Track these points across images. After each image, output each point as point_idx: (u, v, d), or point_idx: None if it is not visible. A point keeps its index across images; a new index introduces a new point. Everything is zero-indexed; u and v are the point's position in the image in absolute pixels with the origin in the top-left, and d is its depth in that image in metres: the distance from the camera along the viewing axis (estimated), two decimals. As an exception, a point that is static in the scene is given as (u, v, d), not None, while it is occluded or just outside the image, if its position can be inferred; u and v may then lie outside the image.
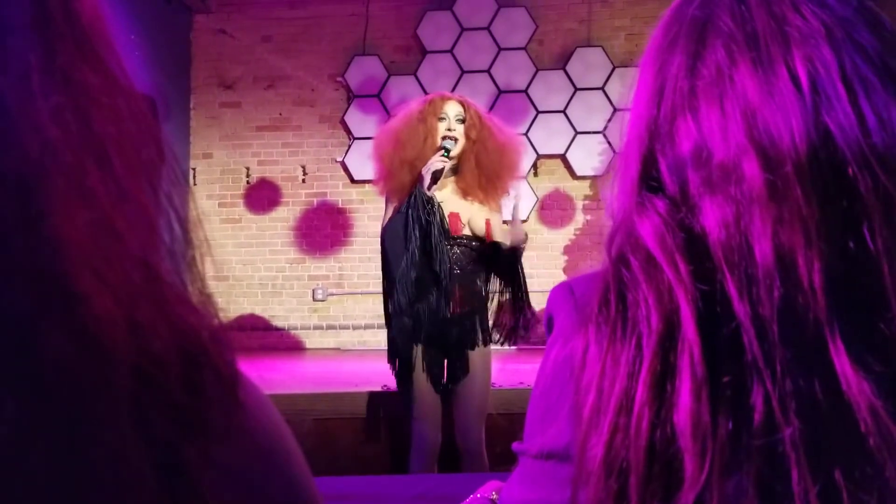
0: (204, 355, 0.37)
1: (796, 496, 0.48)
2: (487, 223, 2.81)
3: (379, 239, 2.86)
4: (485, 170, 2.84)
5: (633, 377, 0.52)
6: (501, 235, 2.85)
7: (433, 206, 2.68)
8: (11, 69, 0.33)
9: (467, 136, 2.80)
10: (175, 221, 0.39)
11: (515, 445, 0.66)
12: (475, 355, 2.79)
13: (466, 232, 2.82)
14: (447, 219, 2.74)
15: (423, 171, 2.67)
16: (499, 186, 2.91)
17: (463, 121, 2.81)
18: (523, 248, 2.79)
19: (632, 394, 0.52)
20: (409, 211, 2.68)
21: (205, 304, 0.39)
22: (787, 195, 0.52)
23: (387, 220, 2.85)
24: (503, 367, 4.74)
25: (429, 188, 2.66)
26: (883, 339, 0.50)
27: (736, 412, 0.50)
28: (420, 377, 2.74)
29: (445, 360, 2.80)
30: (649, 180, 0.60)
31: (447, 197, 2.81)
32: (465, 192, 2.83)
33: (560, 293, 0.66)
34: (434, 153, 2.71)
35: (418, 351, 2.74)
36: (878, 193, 0.51)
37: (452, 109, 2.81)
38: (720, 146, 0.55)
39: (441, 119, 2.79)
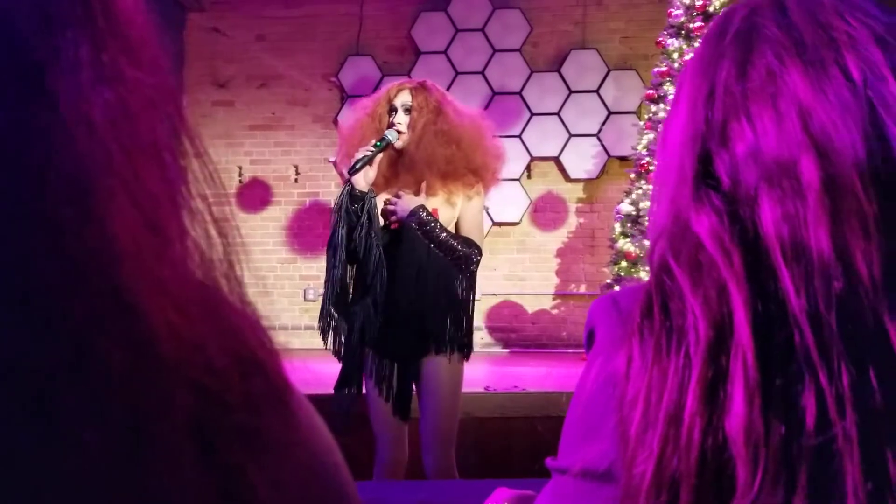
0: (256, 364, 0.35)
1: (849, 493, 0.48)
2: (434, 213, 2.47)
3: None
4: (434, 158, 2.47)
5: (683, 387, 0.52)
6: (466, 227, 2.54)
7: (361, 199, 2.44)
8: (62, 63, 0.32)
9: (412, 127, 2.49)
10: (212, 225, 0.37)
11: (549, 461, 0.65)
12: (433, 366, 2.46)
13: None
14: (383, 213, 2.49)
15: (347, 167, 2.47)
16: (457, 175, 2.51)
17: (409, 110, 2.51)
18: (461, 252, 2.45)
19: (682, 404, 0.52)
20: (337, 205, 2.47)
21: (247, 310, 0.38)
22: (845, 190, 0.52)
23: None
24: (496, 370, 4.73)
25: (350, 178, 2.43)
26: None
27: (788, 416, 0.50)
28: (369, 385, 2.50)
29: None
30: (706, 178, 0.60)
31: (392, 191, 2.53)
32: (417, 185, 2.50)
33: (603, 306, 0.65)
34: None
35: (368, 356, 2.51)
36: None
37: (400, 99, 2.53)
38: (775, 144, 0.56)
39: (392, 111, 2.53)
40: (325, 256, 2.55)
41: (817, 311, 0.50)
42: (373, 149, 2.44)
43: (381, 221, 2.49)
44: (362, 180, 2.44)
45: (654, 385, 0.53)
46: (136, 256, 0.30)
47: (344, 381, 2.53)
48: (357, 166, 2.42)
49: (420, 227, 2.43)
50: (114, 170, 0.31)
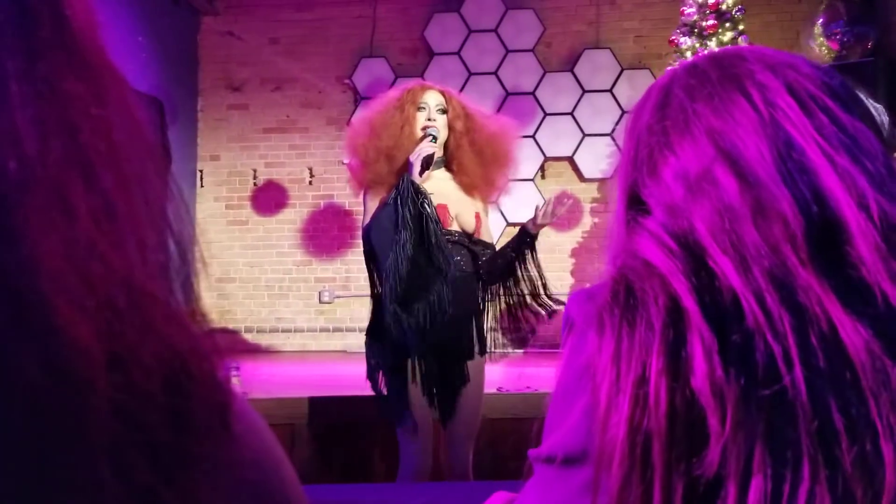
0: (192, 382, 0.34)
1: (802, 436, 0.54)
2: (477, 217, 2.55)
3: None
4: (485, 160, 2.58)
5: (647, 349, 0.58)
6: (488, 234, 2.64)
7: (425, 194, 2.40)
8: None
9: (452, 128, 2.56)
10: (171, 238, 0.36)
11: (532, 452, 0.69)
12: (471, 366, 2.50)
13: (455, 227, 2.54)
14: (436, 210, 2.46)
15: (412, 158, 2.42)
16: (497, 176, 2.66)
17: (444, 111, 2.56)
18: (532, 241, 2.68)
19: (648, 364, 0.57)
20: (398, 200, 2.38)
21: (199, 324, 0.37)
22: (759, 186, 0.62)
23: (369, 216, 2.53)
24: (510, 371, 4.71)
25: (420, 175, 2.41)
26: (863, 285, 0.58)
27: (746, 369, 0.56)
28: (415, 391, 2.42)
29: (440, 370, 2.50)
30: (637, 206, 0.70)
31: (432, 189, 2.49)
32: (465, 187, 2.58)
33: (580, 298, 0.71)
34: (416, 142, 2.47)
35: (415, 360, 2.43)
36: (836, 171, 0.61)
37: (433, 99, 2.56)
38: (695, 162, 0.66)
39: (421, 108, 2.54)
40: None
41: (756, 286, 0.58)
42: (434, 145, 2.46)
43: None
44: (420, 176, 2.43)
45: (622, 353, 0.59)
46: (56, 272, 0.30)
47: (400, 389, 2.45)
48: (430, 163, 2.42)
49: (537, 229, 2.63)
50: (39, 184, 0.30)
